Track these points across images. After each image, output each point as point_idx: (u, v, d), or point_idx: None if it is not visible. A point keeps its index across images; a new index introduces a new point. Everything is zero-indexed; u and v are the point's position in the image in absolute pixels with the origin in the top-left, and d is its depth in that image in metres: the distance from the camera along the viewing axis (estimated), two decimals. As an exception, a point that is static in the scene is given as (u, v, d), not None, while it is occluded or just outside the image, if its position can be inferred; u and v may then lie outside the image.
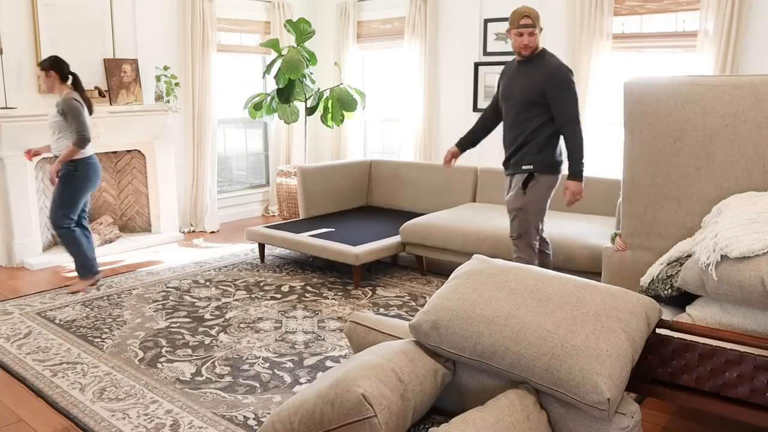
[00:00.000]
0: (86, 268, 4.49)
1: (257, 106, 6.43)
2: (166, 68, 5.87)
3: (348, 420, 1.55)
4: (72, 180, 4.33)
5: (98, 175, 4.47)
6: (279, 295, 4.40)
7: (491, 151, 6.11)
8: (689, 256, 2.44)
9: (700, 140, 2.76)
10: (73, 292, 4.43)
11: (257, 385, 3.09)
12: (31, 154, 4.54)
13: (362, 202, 5.98)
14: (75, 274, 4.63)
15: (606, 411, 1.58)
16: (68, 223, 4.40)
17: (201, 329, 3.79)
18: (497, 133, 6.01)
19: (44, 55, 5.17)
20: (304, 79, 6.21)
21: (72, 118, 4.22)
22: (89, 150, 4.36)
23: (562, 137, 3.60)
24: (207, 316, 4.01)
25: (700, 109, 2.74)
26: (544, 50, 3.65)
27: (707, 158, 2.75)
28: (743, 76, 2.72)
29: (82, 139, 4.23)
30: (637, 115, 2.89)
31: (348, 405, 1.56)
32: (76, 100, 4.27)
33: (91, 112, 4.42)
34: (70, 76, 4.37)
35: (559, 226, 4.28)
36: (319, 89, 6.49)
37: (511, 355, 1.71)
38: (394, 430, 1.60)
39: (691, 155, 2.78)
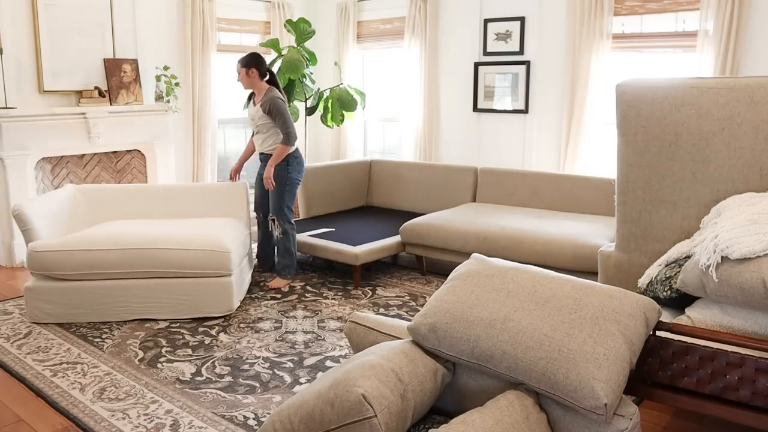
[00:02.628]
0: (293, 268, 4.66)
1: (257, 106, 6.42)
2: (166, 68, 5.87)
3: (348, 420, 1.56)
4: (286, 175, 4.50)
5: (304, 169, 4.67)
6: (279, 295, 4.40)
7: (491, 151, 6.12)
8: (688, 257, 2.44)
9: (695, 144, 2.75)
10: (273, 288, 4.57)
11: (257, 385, 3.09)
12: (235, 172, 4.82)
13: (362, 202, 5.98)
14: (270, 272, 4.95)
15: (603, 415, 1.58)
16: (292, 218, 4.61)
17: (201, 329, 3.79)
18: (498, 134, 6.03)
19: (44, 55, 5.17)
20: (304, 79, 6.21)
21: (278, 116, 4.36)
22: (295, 145, 4.56)
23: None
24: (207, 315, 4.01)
25: (695, 112, 2.73)
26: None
27: (703, 162, 2.74)
28: (738, 78, 2.71)
29: (290, 136, 4.38)
30: (631, 119, 2.88)
31: (348, 405, 1.56)
32: (280, 98, 4.39)
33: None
34: (268, 74, 4.49)
35: (558, 226, 4.28)
36: (319, 89, 6.49)
37: (508, 359, 1.71)
38: (394, 430, 1.60)
39: (687, 159, 2.78)
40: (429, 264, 5.10)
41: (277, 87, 4.54)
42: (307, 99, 6.36)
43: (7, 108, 4.94)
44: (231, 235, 4.08)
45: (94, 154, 5.68)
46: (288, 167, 4.50)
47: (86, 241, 3.83)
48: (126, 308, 3.88)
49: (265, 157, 4.61)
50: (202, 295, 3.90)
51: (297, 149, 4.59)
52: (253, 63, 4.41)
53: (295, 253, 4.65)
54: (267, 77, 4.51)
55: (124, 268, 3.82)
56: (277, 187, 4.50)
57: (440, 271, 5.02)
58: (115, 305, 3.87)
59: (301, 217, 5.53)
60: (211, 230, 4.09)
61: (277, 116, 4.36)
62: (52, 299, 3.85)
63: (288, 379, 3.16)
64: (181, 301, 3.90)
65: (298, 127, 7.13)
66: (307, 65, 6.18)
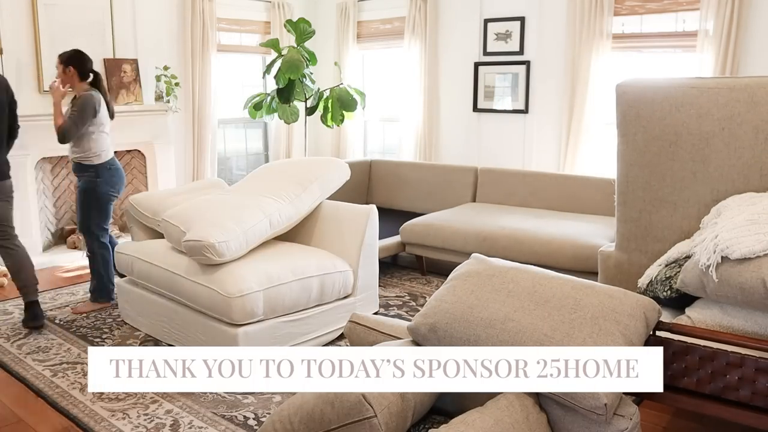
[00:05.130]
0: (107, 292, 4.16)
1: (257, 106, 6.42)
2: (166, 68, 5.87)
3: (348, 420, 1.56)
4: (94, 188, 3.98)
5: (121, 183, 4.14)
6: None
7: (491, 151, 6.12)
8: (688, 257, 2.44)
9: (695, 144, 2.75)
10: (78, 313, 4.07)
11: (257, 385, 3.09)
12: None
13: (362, 202, 5.98)
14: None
15: (603, 415, 1.59)
16: (103, 235, 4.08)
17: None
18: (498, 134, 6.03)
19: (44, 55, 5.17)
20: (304, 79, 6.21)
21: (75, 111, 3.84)
22: (109, 154, 4.05)
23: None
24: (207, 316, 4.00)
25: (695, 112, 2.73)
26: None
27: (703, 162, 2.74)
28: (739, 78, 2.71)
29: (62, 133, 3.83)
30: (631, 119, 2.88)
31: (348, 405, 1.56)
32: (95, 99, 3.90)
33: (111, 115, 4.11)
34: (91, 75, 4.01)
35: (558, 226, 4.28)
36: (319, 89, 6.48)
37: (509, 359, 1.71)
38: (394, 430, 1.60)
39: (687, 159, 2.78)
40: (429, 264, 5.10)
41: (102, 93, 4.03)
42: (307, 99, 6.36)
43: (7, 108, 4.93)
44: (268, 275, 3.23)
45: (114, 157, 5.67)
46: (98, 179, 3.97)
47: (146, 251, 3.68)
48: (167, 331, 3.55)
49: (76, 167, 4.03)
50: (215, 340, 3.25)
51: (113, 158, 4.08)
52: (72, 60, 3.94)
53: (109, 276, 4.13)
54: (89, 79, 4.00)
55: (164, 287, 3.50)
56: (85, 201, 4.00)
57: (440, 271, 5.02)
58: (161, 324, 3.58)
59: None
60: (268, 263, 3.32)
61: (75, 110, 3.83)
62: (129, 300, 3.82)
63: (288, 379, 3.15)
64: (201, 340, 3.33)
65: (299, 127, 7.12)
66: (307, 65, 6.17)
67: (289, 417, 1.65)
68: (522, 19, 5.73)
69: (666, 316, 2.43)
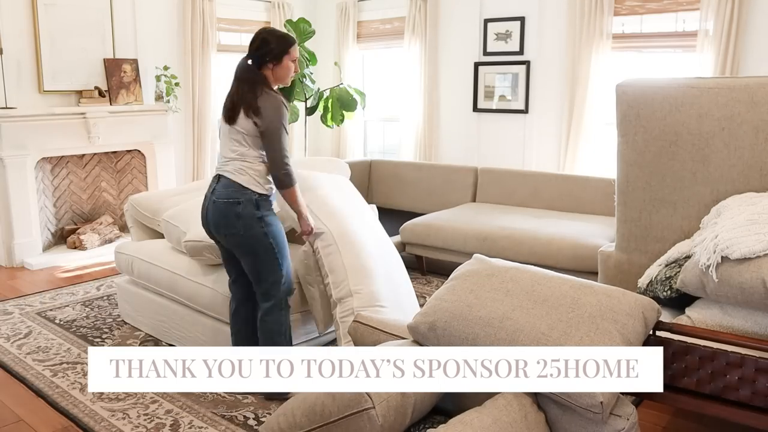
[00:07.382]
0: None
1: (257, 106, 6.41)
2: (166, 68, 5.87)
3: (347, 412, 1.57)
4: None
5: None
6: (279, 295, 4.39)
7: (491, 151, 6.12)
8: (688, 257, 2.44)
9: (695, 144, 2.75)
10: None
11: (257, 385, 3.08)
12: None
13: (362, 202, 5.98)
14: None
15: (600, 414, 1.58)
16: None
17: (201, 329, 3.78)
18: (498, 134, 6.03)
19: (44, 55, 5.16)
20: (304, 79, 6.21)
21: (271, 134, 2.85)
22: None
23: None
24: (207, 316, 4.00)
25: (695, 112, 2.73)
26: None
27: (703, 162, 2.74)
28: (739, 78, 2.72)
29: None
30: (631, 119, 2.88)
31: (348, 396, 1.58)
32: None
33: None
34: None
35: (558, 226, 4.28)
36: (319, 89, 6.48)
37: (507, 358, 1.71)
38: (392, 424, 1.60)
39: (687, 159, 2.78)
40: (429, 264, 5.10)
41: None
42: (307, 99, 6.36)
43: (7, 108, 4.94)
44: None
45: (94, 154, 5.68)
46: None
47: (146, 251, 3.67)
48: (167, 331, 3.55)
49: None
50: (215, 340, 3.26)
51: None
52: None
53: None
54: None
55: (164, 287, 3.49)
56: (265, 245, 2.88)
57: (440, 271, 5.01)
58: (161, 324, 3.58)
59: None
60: None
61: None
62: (129, 300, 3.82)
63: (288, 379, 3.15)
64: (201, 340, 3.34)
65: (299, 127, 7.12)
66: (307, 65, 6.17)
67: (292, 410, 1.67)
68: (522, 19, 5.73)
69: (666, 316, 2.43)
